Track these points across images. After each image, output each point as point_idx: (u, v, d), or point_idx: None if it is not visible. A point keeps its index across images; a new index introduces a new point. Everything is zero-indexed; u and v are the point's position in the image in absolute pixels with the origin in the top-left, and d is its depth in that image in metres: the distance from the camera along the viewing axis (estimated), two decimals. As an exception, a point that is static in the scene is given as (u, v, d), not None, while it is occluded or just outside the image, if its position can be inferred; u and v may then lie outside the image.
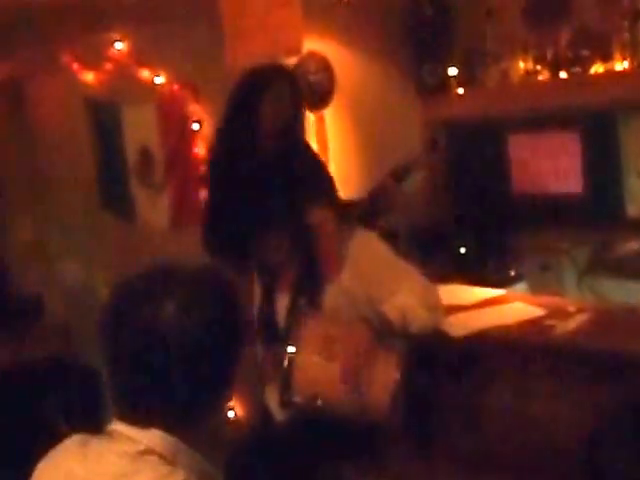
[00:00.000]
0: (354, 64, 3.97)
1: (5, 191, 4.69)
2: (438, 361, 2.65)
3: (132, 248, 4.23)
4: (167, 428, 1.36)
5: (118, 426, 1.38)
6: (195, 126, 3.71)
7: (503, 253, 4.03)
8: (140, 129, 4.04)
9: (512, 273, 3.97)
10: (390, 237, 3.01)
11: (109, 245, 4.45)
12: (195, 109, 3.70)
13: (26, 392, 3.19)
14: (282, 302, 2.67)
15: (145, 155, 4.04)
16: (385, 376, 2.37)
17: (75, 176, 4.56)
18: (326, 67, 3.83)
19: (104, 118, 4.25)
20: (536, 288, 3.85)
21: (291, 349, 2.43)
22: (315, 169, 3.20)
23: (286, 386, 2.42)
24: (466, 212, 4.12)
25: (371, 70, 4.03)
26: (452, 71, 4.08)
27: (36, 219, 4.86)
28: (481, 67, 3.97)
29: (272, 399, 2.69)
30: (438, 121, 4.20)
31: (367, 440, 2.54)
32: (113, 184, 4.35)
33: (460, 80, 4.08)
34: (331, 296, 2.57)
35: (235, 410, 3.88)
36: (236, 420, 3.85)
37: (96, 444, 1.38)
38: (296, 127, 3.14)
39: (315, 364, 2.41)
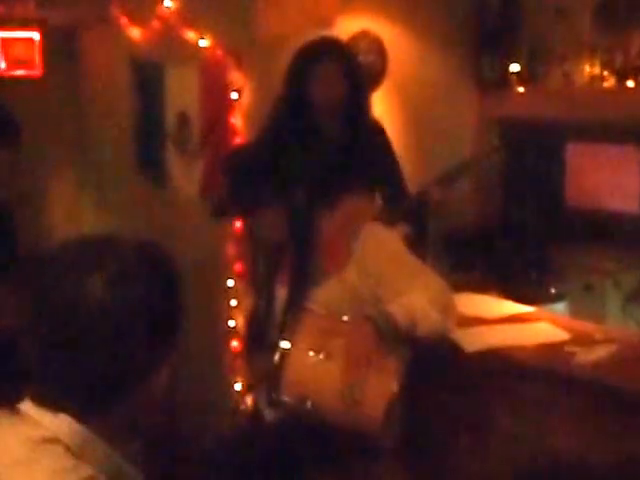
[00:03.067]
0: (409, 48, 3.77)
1: (47, 145, 4.61)
2: (442, 375, 2.45)
3: (162, 215, 4.12)
4: (78, 415, 1.22)
5: (27, 407, 1.24)
6: (234, 95, 3.55)
7: (546, 268, 3.79)
8: (181, 93, 3.90)
9: (552, 290, 3.73)
10: (419, 238, 2.83)
11: (141, 211, 4.34)
12: (236, 77, 3.54)
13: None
14: (281, 297, 2.50)
15: (183, 120, 3.90)
16: (382, 386, 2.18)
17: (115, 136, 4.46)
18: (379, 49, 3.65)
19: (146, 78, 4.12)
20: (576, 309, 3.60)
21: (284, 344, 2.25)
22: (373, 157, 3.01)
23: (275, 384, 2.25)
24: (511, 220, 3.90)
25: (427, 57, 3.82)
26: (514, 67, 3.85)
27: (75, 179, 4.78)
28: (545, 67, 3.75)
29: (262, 399, 2.53)
30: (493, 119, 3.96)
31: (356, 450, 2.37)
32: (149, 147, 4.22)
33: (521, 78, 3.85)
34: (333, 291, 2.38)
35: (245, 401, 3.75)
36: (245, 411, 3.72)
37: (4, 423, 1.25)
38: (353, 106, 2.95)
39: (309, 362, 2.23)
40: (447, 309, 2.30)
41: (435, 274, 2.37)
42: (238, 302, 3.64)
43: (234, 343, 3.70)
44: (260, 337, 2.51)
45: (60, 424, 1.21)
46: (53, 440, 1.20)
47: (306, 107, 2.89)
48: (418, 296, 2.26)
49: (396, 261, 2.37)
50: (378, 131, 3.10)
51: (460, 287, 2.82)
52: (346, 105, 2.92)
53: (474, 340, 2.53)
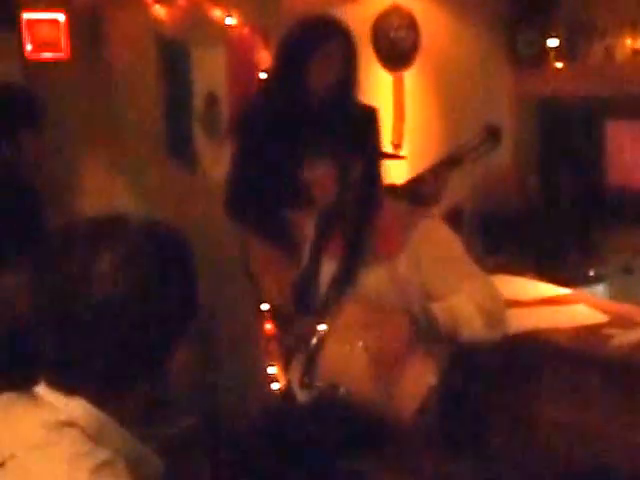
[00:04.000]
0: (443, 23, 3.68)
1: (76, 128, 4.57)
2: (479, 360, 2.38)
3: (193, 198, 4.07)
4: (94, 398, 1.18)
5: (43, 390, 1.20)
6: (262, 75, 3.47)
7: (585, 250, 3.70)
8: (208, 73, 3.84)
9: (591, 273, 3.62)
10: (453, 221, 2.75)
11: (171, 194, 4.29)
12: (264, 56, 3.46)
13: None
14: (328, 269, 2.44)
15: (211, 101, 3.84)
16: (419, 379, 2.15)
17: (143, 118, 4.41)
18: (411, 24, 3.55)
19: (173, 58, 4.07)
20: (615, 292, 3.50)
21: (322, 327, 2.20)
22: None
23: (309, 367, 2.22)
24: (549, 200, 3.80)
25: (461, 32, 3.72)
26: (552, 43, 3.73)
27: (104, 162, 4.75)
28: (584, 41, 3.63)
29: (295, 377, 2.48)
30: (529, 96, 3.85)
31: (390, 438, 2.31)
32: (178, 130, 4.17)
33: (559, 54, 3.73)
34: (380, 279, 2.31)
35: (279, 383, 3.70)
36: (279, 394, 3.68)
37: (19, 407, 1.21)
38: (346, 91, 2.84)
39: (345, 349, 2.19)
40: (495, 318, 2.21)
41: (489, 280, 2.30)
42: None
43: (267, 326, 3.66)
44: (303, 305, 2.46)
45: (75, 407, 1.17)
46: (69, 423, 1.16)
47: (302, 89, 2.76)
48: (465, 300, 2.19)
49: (449, 261, 2.29)
50: (366, 112, 2.95)
51: (495, 269, 2.74)
52: (341, 89, 2.81)
53: (511, 322, 2.45)
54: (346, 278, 2.36)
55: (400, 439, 2.33)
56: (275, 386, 3.68)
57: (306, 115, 2.62)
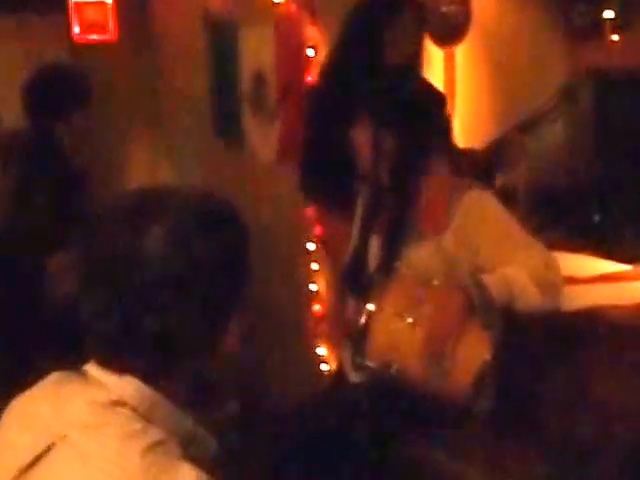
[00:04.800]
0: (495, -4, 3.57)
1: (123, 110, 4.59)
2: (535, 337, 2.31)
3: (240, 179, 4.05)
4: (144, 377, 1.15)
5: (92, 369, 1.18)
6: (310, 52, 3.42)
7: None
8: (256, 52, 3.80)
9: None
10: (508, 196, 2.68)
11: (218, 175, 4.28)
12: (312, 33, 3.41)
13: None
14: (376, 248, 2.42)
15: (259, 81, 3.80)
16: (473, 354, 2.09)
17: (190, 99, 4.41)
18: (462, -2, 3.46)
19: (221, 38, 4.04)
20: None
21: (371, 306, 2.15)
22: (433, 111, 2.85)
23: (359, 347, 2.18)
24: (607, 175, 3.69)
25: (514, 5, 3.61)
26: (608, 14, 3.60)
27: (151, 144, 4.76)
28: (641, 12, 3.48)
29: (346, 358, 2.45)
30: (584, 69, 3.73)
31: (445, 419, 2.26)
32: (225, 110, 4.15)
33: (616, 25, 3.59)
34: (427, 255, 2.28)
35: (329, 364, 3.67)
36: (329, 375, 3.65)
37: (69, 386, 1.19)
38: (416, 65, 2.79)
39: (395, 326, 2.15)
40: (551, 288, 2.15)
41: (542, 247, 2.23)
42: (319, 266, 3.55)
43: (316, 307, 3.63)
44: (354, 286, 2.43)
45: (126, 386, 1.15)
46: (120, 403, 1.14)
47: (372, 66, 2.73)
48: (518, 269, 2.13)
49: (499, 231, 2.24)
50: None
51: (552, 246, 2.66)
52: (412, 62, 2.77)
53: (567, 300, 2.38)
54: (391, 256, 2.32)
55: (455, 420, 2.29)
56: (325, 367, 3.66)
57: (370, 86, 2.59)
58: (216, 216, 1.19)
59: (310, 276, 3.59)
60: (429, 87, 2.51)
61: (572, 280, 2.56)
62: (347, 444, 2.31)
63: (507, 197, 2.55)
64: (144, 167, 4.79)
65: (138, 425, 1.12)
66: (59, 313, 2.82)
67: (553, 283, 2.16)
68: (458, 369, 2.09)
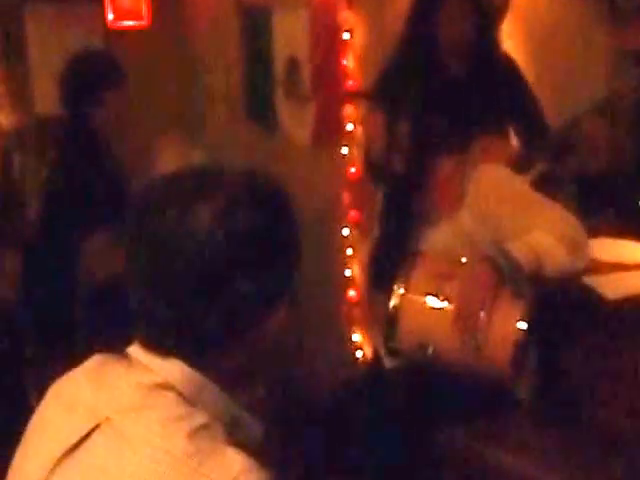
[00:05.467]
0: (535, -23, 3.49)
1: (156, 96, 4.57)
2: (581, 325, 2.26)
3: (273, 164, 4.01)
4: (191, 360, 1.11)
5: (136, 351, 1.15)
6: (346, 36, 3.38)
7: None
8: (289, 37, 3.77)
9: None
10: (553, 182, 2.62)
11: (251, 160, 4.25)
12: (347, 17, 3.37)
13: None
14: (399, 235, 2.38)
15: (293, 65, 3.77)
16: (507, 328, 2.02)
17: (223, 85, 4.38)
18: (502, -20, 3.39)
19: (254, 23, 4.01)
20: None
21: (399, 289, 2.11)
22: (505, 94, 2.82)
23: (391, 332, 2.13)
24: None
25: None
26: (653, -4, 3.52)
27: (183, 129, 4.74)
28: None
29: (380, 343, 2.41)
30: (630, 51, 3.65)
31: (485, 402, 2.20)
32: (258, 95, 4.13)
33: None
34: (446, 235, 2.26)
35: (364, 350, 3.64)
36: (364, 361, 3.62)
37: (113, 369, 1.16)
38: (482, 43, 2.75)
39: (426, 307, 2.09)
40: (577, 246, 2.11)
41: (563, 209, 2.19)
42: (354, 251, 3.51)
43: (351, 292, 3.59)
44: (379, 276, 2.40)
45: (171, 369, 1.11)
46: (165, 386, 1.10)
47: (432, 47, 2.71)
48: (543, 233, 2.09)
49: (516, 200, 2.21)
50: (509, 66, 2.88)
51: (596, 232, 2.61)
52: (475, 43, 2.73)
53: (616, 287, 2.34)
54: (414, 240, 2.30)
55: (493, 406, 2.24)
56: (359, 353, 3.62)
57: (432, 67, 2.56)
58: (265, 195, 1.16)
59: (345, 261, 3.56)
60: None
61: (620, 266, 2.50)
62: (381, 431, 2.28)
63: (549, 186, 2.49)
64: (177, 152, 4.77)
65: (183, 409, 1.09)
66: (96, 296, 2.83)
67: (579, 242, 2.12)
68: (494, 343, 2.02)
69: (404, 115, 2.25)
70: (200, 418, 1.08)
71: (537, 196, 2.22)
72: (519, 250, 2.05)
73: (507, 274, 2.03)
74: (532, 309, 2.04)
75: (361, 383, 2.67)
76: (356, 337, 3.62)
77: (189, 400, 1.10)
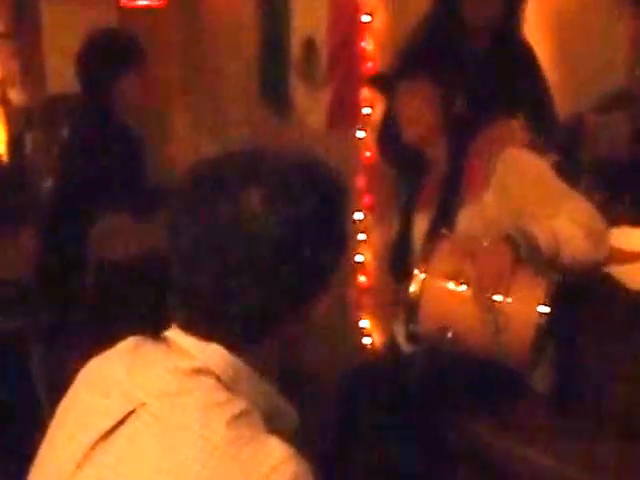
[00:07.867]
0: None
1: (170, 75, 4.53)
2: (603, 315, 2.24)
3: (287, 146, 3.98)
4: (232, 346, 1.10)
5: (175, 334, 1.13)
6: (365, 18, 3.34)
7: None
8: (308, 18, 3.72)
9: None
10: (573, 171, 2.60)
11: (264, 143, 4.21)
12: (368, -1, 3.33)
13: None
14: (420, 226, 2.39)
15: (309, 47, 3.73)
16: (528, 310, 2.01)
17: (238, 65, 4.33)
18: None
19: (271, 4, 3.95)
20: None
21: (420, 275, 2.09)
22: (519, 80, 2.79)
23: (412, 315, 2.11)
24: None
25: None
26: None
27: (196, 109, 4.70)
28: None
29: (400, 332, 2.40)
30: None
31: (503, 394, 2.21)
32: (273, 77, 4.07)
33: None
34: (471, 219, 2.25)
35: (372, 337, 3.62)
36: (372, 348, 3.60)
37: (149, 352, 1.14)
38: (507, 26, 2.72)
39: (446, 290, 2.08)
40: (597, 236, 2.11)
41: (584, 199, 2.20)
42: (367, 236, 3.49)
43: (361, 278, 3.56)
44: (401, 267, 2.38)
45: (211, 354, 1.10)
46: (204, 371, 1.09)
47: (457, 27, 2.68)
48: (564, 220, 2.10)
49: (540, 185, 2.20)
50: (527, 52, 2.85)
51: (616, 220, 2.58)
52: (500, 25, 2.70)
53: (634, 277, 2.30)
54: (443, 225, 2.28)
55: (513, 392, 2.23)
56: (367, 340, 3.60)
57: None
58: (316, 180, 1.14)
59: (356, 247, 3.53)
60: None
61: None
62: (399, 416, 2.26)
63: (569, 174, 2.47)
64: (189, 132, 4.74)
65: (223, 395, 1.07)
66: (110, 280, 2.80)
67: (600, 232, 2.13)
68: (514, 326, 2.01)
69: (452, 94, 2.24)
70: (240, 405, 1.07)
71: (561, 184, 2.22)
72: (540, 232, 2.06)
73: (525, 253, 2.03)
74: (553, 295, 2.03)
75: (376, 370, 2.66)
76: (364, 323, 3.60)
77: (228, 386, 1.09)
